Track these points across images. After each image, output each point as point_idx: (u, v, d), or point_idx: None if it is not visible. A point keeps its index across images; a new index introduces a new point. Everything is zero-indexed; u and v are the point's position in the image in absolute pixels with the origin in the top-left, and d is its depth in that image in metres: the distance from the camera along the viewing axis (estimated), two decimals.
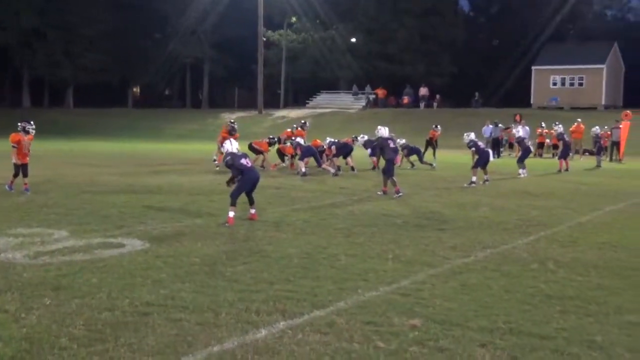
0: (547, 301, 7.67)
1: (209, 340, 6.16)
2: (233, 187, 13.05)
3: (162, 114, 67.31)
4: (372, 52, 71.06)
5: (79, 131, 55.96)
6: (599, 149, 32.29)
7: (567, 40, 71.51)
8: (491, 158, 21.89)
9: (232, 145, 13.32)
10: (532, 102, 61.55)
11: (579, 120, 38.86)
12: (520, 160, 24.74)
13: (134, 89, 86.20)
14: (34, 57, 70.48)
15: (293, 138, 25.23)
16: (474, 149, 21.10)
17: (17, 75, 75.27)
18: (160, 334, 6.31)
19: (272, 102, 72.56)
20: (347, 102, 66.62)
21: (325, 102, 67.59)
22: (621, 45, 64.62)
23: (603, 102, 58.90)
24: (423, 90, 63.56)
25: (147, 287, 7.92)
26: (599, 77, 60.06)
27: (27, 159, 16.75)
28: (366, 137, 26.06)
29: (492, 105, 61.55)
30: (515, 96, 65.72)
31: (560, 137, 28.43)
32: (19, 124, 17.09)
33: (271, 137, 27.36)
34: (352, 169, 24.73)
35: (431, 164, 27.11)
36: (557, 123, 31.42)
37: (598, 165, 30.32)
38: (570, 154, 31.06)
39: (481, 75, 73.79)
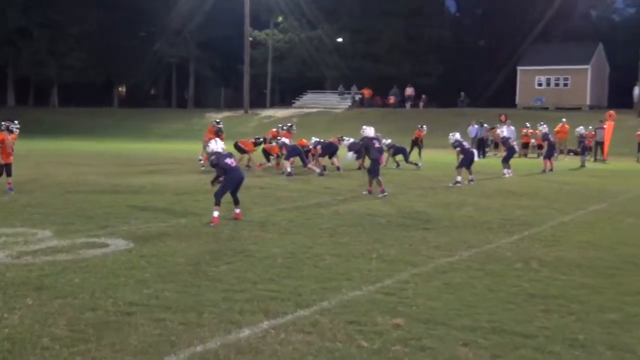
0: (530, 300, 7.71)
1: (192, 340, 6.15)
2: (217, 186, 13.04)
3: (148, 114, 67.14)
4: (358, 52, 71.10)
5: (64, 130, 55.72)
6: (583, 149, 32.45)
7: (552, 41, 71.89)
8: (476, 158, 21.97)
9: (217, 145, 13.31)
10: (517, 102, 61.76)
11: (564, 120, 39.06)
12: (505, 160, 24.83)
13: (120, 89, 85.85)
14: (18, 55, 69.96)
15: (279, 138, 25.21)
16: (459, 148, 21.16)
17: (1, 74, 74.73)
18: (143, 333, 6.29)
19: (259, 102, 72.49)
20: (334, 102, 66.65)
21: (312, 102, 67.61)
22: (606, 45, 64.91)
23: (588, 103, 59.17)
24: (409, 90, 63.68)
25: (131, 287, 7.90)
26: (583, 78, 60.33)
27: (11, 158, 16.65)
28: (351, 140, 25.93)
29: (478, 106, 61.71)
30: (501, 96, 65.91)
31: (544, 137, 28.55)
32: (3, 123, 16.99)
33: (257, 137, 27.34)
34: (338, 168, 24.75)
35: (417, 164, 27.18)
36: (542, 123, 31.58)
37: (582, 165, 30.49)
38: (555, 154, 31.21)
39: (467, 76, 73.96)
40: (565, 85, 60.89)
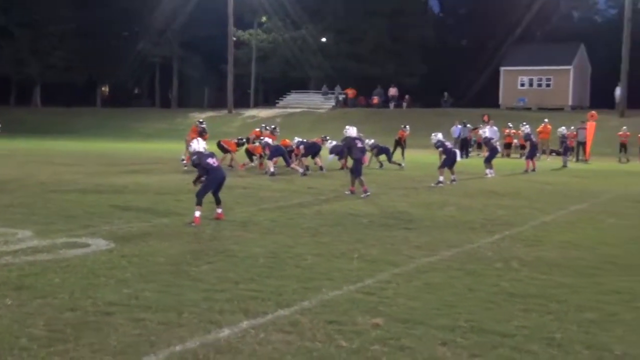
0: (510, 299, 7.74)
1: (171, 339, 6.14)
2: (200, 186, 13.02)
3: (131, 113, 66.92)
4: (342, 52, 71.12)
5: (47, 130, 55.48)
6: (565, 149, 32.65)
7: (534, 42, 72.24)
8: (458, 158, 22.04)
9: (199, 145, 13.29)
10: (500, 102, 61.98)
11: (546, 120, 39.32)
12: (487, 161, 24.92)
13: (103, 88, 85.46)
14: None
15: (261, 138, 25.20)
16: (441, 149, 21.23)
17: None
18: (122, 333, 6.28)
19: (242, 102, 72.41)
20: (317, 102, 66.64)
21: (296, 102, 67.59)
22: (588, 46, 65.31)
23: (570, 103, 59.48)
24: (392, 91, 63.80)
25: (111, 287, 7.88)
26: (566, 78, 60.66)
27: None
28: (334, 143, 25.89)
29: (462, 106, 61.88)
30: (484, 96, 66.16)
31: (527, 137, 28.69)
32: None
33: (240, 138, 27.32)
34: (321, 168, 24.78)
35: (400, 164, 27.25)
36: (524, 124, 31.71)
37: (564, 166, 30.67)
38: (538, 154, 31.40)
39: (450, 76, 74.19)
40: (548, 85, 61.20)
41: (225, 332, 6.39)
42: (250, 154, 25.64)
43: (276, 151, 23.39)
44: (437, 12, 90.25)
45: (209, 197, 12.90)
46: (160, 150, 36.57)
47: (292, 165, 23.68)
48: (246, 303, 7.30)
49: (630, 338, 6.53)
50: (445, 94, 64.06)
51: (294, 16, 70.68)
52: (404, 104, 62.75)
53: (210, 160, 12.86)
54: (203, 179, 13.02)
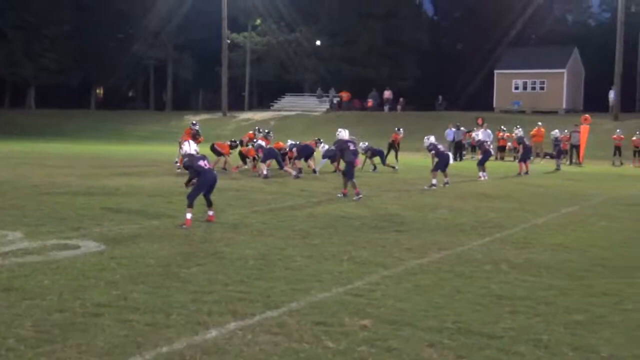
0: (498, 301, 7.76)
1: (158, 340, 6.14)
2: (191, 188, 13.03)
3: (126, 116, 66.85)
4: (336, 55, 71.18)
5: (41, 132, 55.39)
6: (558, 152, 32.71)
7: (529, 45, 72.39)
8: (451, 161, 22.06)
9: (190, 147, 13.29)
10: (494, 105, 62.07)
11: (540, 123, 39.38)
12: (481, 164, 24.96)
13: (97, 90, 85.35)
14: None
15: (254, 140, 25.21)
16: (433, 152, 21.27)
17: None
18: (109, 334, 6.28)
19: (237, 104, 72.48)
20: (312, 104, 66.64)
21: (290, 105, 67.60)
22: (581, 49, 65.47)
23: (564, 106, 59.62)
24: (387, 94, 63.89)
25: (100, 289, 7.87)
26: (559, 82, 60.78)
27: None
28: (327, 147, 25.93)
29: (456, 109, 62.00)
30: (478, 99, 66.32)
31: (520, 140, 28.73)
32: None
33: (233, 140, 27.33)
34: (314, 171, 24.80)
35: (393, 167, 27.29)
36: (517, 126, 31.78)
37: (557, 169, 30.73)
38: (532, 157, 31.47)
39: (445, 79, 74.32)
40: (542, 88, 61.31)
41: (213, 333, 6.40)
42: (243, 156, 25.65)
43: (269, 154, 23.41)
44: (432, 15, 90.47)
45: (200, 199, 12.90)
46: (154, 152, 36.54)
47: (286, 168, 23.70)
48: (234, 304, 7.31)
49: (617, 340, 6.55)
50: (440, 97, 64.10)
51: (288, 19, 70.78)
52: (399, 107, 62.79)
53: (201, 163, 12.86)
54: (194, 181, 13.02)
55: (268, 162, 23.18)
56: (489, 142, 27.82)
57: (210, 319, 6.79)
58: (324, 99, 65.99)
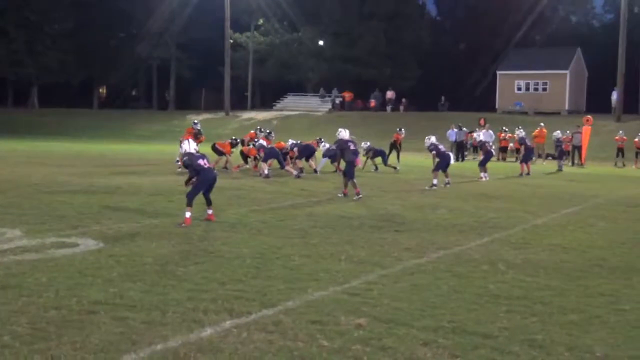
0: (494, 301, 7.76)
1: (154, 338, 6.15)
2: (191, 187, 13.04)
3: (129, 115, 66.87)
4: (338, 55, 71.12)
5: (43, 131, 55.41)
6: (560, 153, 32.67)
7: (531, 46, 72.25)
8: (452, 161, 22.06)
9: (190, 146, 13.31)
10: (497, 106, 61.96)
11: (542, 124, 39.32)
12: (482, 164, 24.96)
13: (100, 90, 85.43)
14: None
15: (256, 140, 25.23)
16: (434, 152, 21.29)
17: None
18: (105, 332, 6.29)
19: (240, 104, 72.48)
20: (314, 104, 66.61)
21: (293, 105, 67.58)
22: (584, 50, 65.33)
23: (566, 107, 59.50)
24: (390, 94, 63.87)
25: (97, 286, 7.89)
26: (562, 83, 60.65)
27: None
28: (327, 146, 25.96)
29: (458, 109, 61.91)
30: (481, 100, 66.23)
31: (521, 141, 28.71)
32: None
33: (233, 138, 27.35)
34: (315, 171, 24.82)
35: (395, 167, 27.29)
36: (519, 127, 31.77)
37: (559, 169, 30.71)
38: (533, 158, 31.44)
39: (447, 79, 74.26)
40: (544, 89, 61.19)
41: (208, 331, 6.41)
42: (244, 155, 25.66)
43: (270, 153, 23.42)
44: (434, 16, 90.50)
45: (200, 198, 12.91)
46: (156, 151, 36.60)
47: (287, 168, 23.71)
48: (231, 303, 7.32)
49: (612, 340, 6.55)
50: (442, 97, 64.03)
51: (290, 19, 70.73)
52: (401, 108, 62.76)
53: (201, 162, 12.87)
54: (194, 180, 13.03)
55: (269, 161, 23.20)
56: (490, 143, 27.80)
57: (206, 317, 6.80)
58: (327, 99, 65.96)
